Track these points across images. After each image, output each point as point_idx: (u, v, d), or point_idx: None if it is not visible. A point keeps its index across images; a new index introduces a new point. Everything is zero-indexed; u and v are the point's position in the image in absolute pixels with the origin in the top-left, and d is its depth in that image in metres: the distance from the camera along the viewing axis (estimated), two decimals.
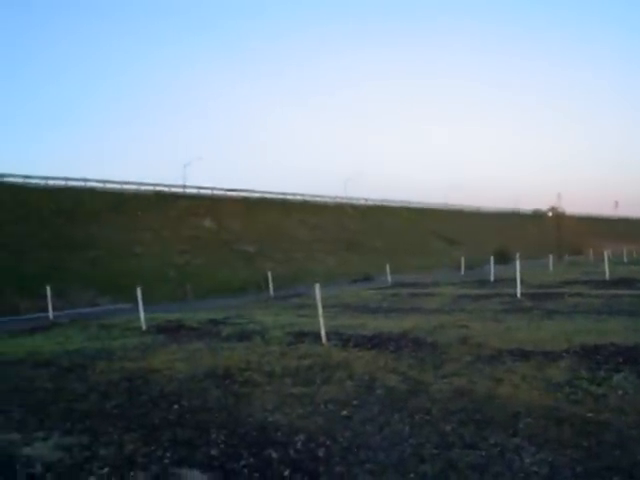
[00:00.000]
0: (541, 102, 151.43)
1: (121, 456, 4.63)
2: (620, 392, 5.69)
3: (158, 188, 44.10)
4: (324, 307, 10.25)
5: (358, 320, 12.53)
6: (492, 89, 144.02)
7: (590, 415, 5.01)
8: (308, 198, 56.00)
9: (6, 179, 36.51)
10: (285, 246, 41.19)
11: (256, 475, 4.13)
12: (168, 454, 4.62)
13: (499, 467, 4.01)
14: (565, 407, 5.28)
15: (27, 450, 4.93)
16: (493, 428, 4.80)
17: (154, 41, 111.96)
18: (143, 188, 43.20)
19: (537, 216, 78.07)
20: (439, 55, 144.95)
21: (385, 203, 64.56)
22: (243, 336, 10.84)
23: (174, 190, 45.35)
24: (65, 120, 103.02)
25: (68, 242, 30.49)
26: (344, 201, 59.97)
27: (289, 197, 54.18)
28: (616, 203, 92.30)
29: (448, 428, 4.86)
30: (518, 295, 16.16)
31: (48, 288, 18.68)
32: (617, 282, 19.38)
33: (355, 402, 5.82)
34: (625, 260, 36.85)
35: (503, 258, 35.53)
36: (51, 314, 18.16)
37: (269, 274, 25.56)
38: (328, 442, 4.68)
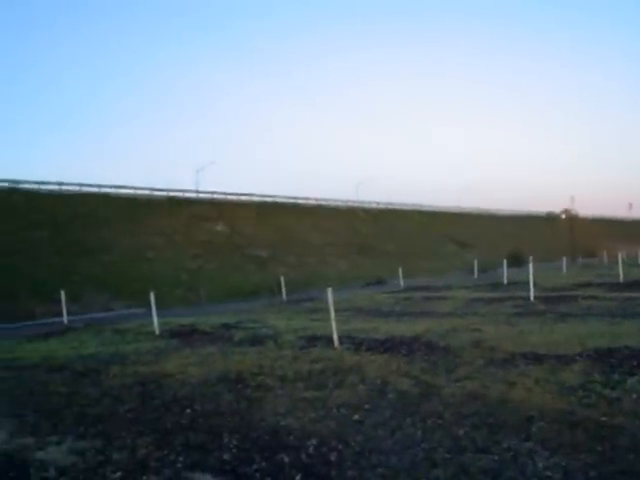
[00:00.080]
0: (551, 103, 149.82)
1: (134, 460, 4.67)
2: (634, 396, 5.62)
3: (172, 194, 44.41)
4: (336, 311, 10.27)
5: (370, 324, 12.53)
6: (501, 90, 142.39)
7: (604, 419, 4.96)
8: (320, 202, 56.04)
9: (21, 185, 36.97)
10: (297, 250, 41.20)
11: (268, 479, 4.14)
12: (181, 458, 4.65)
13: (512, 472, 3.98)
14: (579, 411, 5.23)
15: (41, 454, 5.00)
16: (506, 432, 4.77)
17: (160, 42, 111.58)
18: (156, 193, 43.53)
19: (550, 218, 77.40)
20: (447, 56, 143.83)
21: (397, 206, 64.29)
22: (256, 340, 10.88)
23: (187, 195, 45.62)
24: (75, 125, 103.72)
25: (82, 247, 30.76)
26: (356, 205, 59.85)
27: (301, 201, 54.20)
28: (630, 205, 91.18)
29: (461, 432, 4.84)
30: (531, 298, 16.06)
31: (62, 293, 18.89)
32: (631, 284, 19.13)
33: (367, 406, 5.82)
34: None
35: (516, 261, 35.31)
36: (65, 319, 18.36)
37: (282, 278, 25.66)
38: (340, 446, 4.68)
